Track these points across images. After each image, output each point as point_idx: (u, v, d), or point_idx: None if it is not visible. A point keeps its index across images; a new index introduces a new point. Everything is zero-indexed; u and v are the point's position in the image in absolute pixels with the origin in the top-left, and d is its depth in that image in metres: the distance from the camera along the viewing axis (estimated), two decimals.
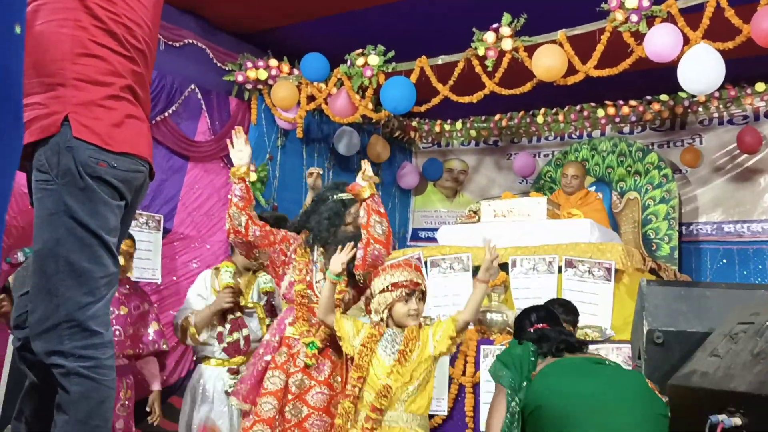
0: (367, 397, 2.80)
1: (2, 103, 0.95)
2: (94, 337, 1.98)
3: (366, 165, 3.15)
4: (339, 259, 2.98)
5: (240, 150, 3.22)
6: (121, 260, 3.43)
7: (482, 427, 3.71)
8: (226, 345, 3.73)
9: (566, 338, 2.74)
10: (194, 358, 4.04)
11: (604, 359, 2.61)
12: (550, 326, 2.81)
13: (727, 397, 2.14)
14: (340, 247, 3.03)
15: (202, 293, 3.86)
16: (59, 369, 1.93)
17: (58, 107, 1.98)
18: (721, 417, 2.08)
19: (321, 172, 4.60)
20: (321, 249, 3.22)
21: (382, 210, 3.09)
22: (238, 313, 3.77)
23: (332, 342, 3.07)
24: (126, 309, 3.62)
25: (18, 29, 0.57)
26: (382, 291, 2.93)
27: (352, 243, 3.04)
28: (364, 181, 3.10)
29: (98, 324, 2.00)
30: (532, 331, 2.80)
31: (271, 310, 3.91)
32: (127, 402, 3.57)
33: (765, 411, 1.97)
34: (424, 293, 2.98)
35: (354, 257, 3.06)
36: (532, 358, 2.68)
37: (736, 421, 2.06)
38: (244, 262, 3.79)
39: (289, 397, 2.98)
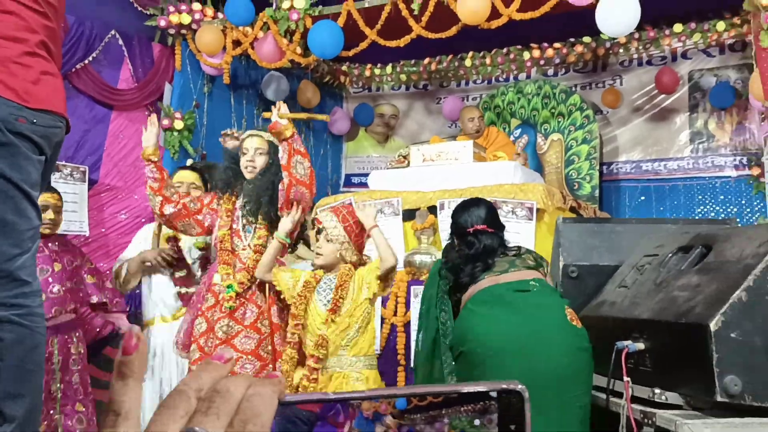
0: (308, 344, 2.83)
1: None
2: (24, 287, 2.03)
3: (280, 104, 3.10)
4: (288, 221, 2.99)
5: (146, 133, 3.27)
6: (51, 214, 3.40)
7: (413, 363, 3.87)
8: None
9: (495, 249, 2.69)
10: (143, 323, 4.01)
11: (528, 280, 2.57)
12: (490, 229, 2.75)
13: (632, 324, 2.31)
14: (288, 209, 3.03)
15: (142, 245, 3.84)
16: None
17: None
18: (627, 342, 2.26)
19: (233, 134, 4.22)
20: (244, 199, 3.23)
21: (302, 149, 3.06)
22: (184, 272, 3.77)
23: (257, 287, 3.13)
24: (60, 265, 3.57)
25: None
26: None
27: (298, 205, 3.05)
28: (283, 119, 3.03)
29: (27, 274, 2.05)
30: (471, 231, 2.74)
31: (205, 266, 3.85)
32: (79, 357, 3.55)
33: (664, 334, 2.14)
34: (332, 235, 2.90)
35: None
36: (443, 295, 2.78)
37: (640, 345, 2.23)
38: None
39: (217, 342, 3.03)
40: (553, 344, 2.36)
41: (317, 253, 2.90)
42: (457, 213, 2.88)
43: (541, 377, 2.27)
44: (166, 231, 3.75)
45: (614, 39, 5.70)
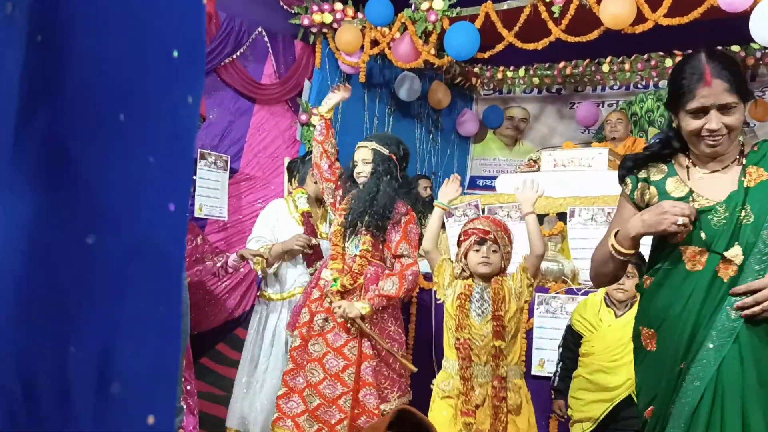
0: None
1: None
2: None
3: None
4: (451, 189, 3.09)
5: (332, 95, 3.55)
6: None
7: (533, 370, 3.83)
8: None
9: None
10: (258, 294, 4.17)
11: None
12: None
13: None
14: (447, 180, 3.16)
15: (271, 224, 3.93)
16: None
17: None
18: None
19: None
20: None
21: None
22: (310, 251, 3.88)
23: (357, 296, 3.20)
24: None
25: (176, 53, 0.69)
26: (458, 241, 3.02)
27: (458, 175, 3.21)
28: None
29: None
30: None
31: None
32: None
33: None
34: (499, 245, 2.92)
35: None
36: None
37: None
38: (315, 191, 3.91)
39: (313, 333, 3.21)
40: None
41: (485, 263, 2.90)
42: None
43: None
44: (302, 207, 3.89)
45: (766, 49, 5.37)
